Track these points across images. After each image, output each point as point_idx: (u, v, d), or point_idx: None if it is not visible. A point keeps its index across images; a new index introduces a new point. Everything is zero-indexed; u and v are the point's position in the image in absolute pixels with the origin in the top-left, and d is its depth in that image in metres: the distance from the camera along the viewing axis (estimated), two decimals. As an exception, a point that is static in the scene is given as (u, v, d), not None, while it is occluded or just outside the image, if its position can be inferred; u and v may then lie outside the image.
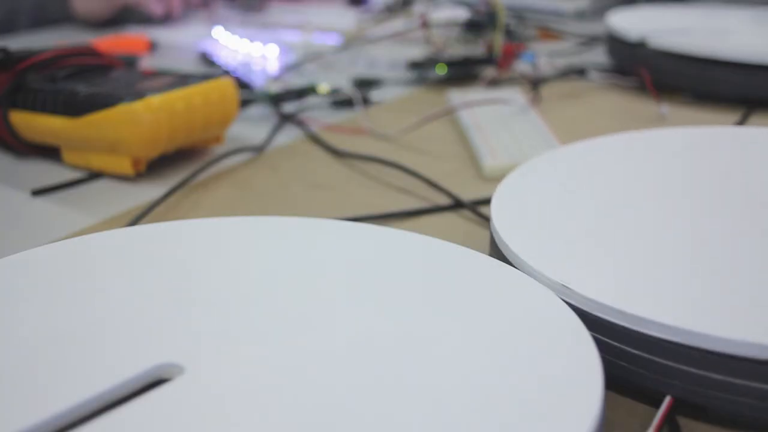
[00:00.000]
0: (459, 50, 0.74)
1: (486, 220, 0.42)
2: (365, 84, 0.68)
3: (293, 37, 0.90)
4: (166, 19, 0.99)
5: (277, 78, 0.70)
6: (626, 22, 0.71)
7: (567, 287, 0.27)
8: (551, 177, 0.37)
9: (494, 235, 0.32)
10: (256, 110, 0.61)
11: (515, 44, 0.72)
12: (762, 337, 0.24)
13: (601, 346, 0.27)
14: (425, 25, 0.77)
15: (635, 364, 0.26)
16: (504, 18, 0.73)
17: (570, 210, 0.33)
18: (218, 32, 0.90)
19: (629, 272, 0.28)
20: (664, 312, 0.25)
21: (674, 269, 0.28)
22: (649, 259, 0.29)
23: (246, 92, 0.61)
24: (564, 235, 0.31)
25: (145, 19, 0.97)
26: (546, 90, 0.67)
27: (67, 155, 0.49)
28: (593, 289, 0.27)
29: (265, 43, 0.83)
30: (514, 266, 0.30)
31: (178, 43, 0.87)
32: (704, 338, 0.24)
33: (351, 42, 0.83)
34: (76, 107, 0.46)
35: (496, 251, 0.32)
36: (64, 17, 0.97)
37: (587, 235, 0.31)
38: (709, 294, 0.26)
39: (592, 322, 0.27)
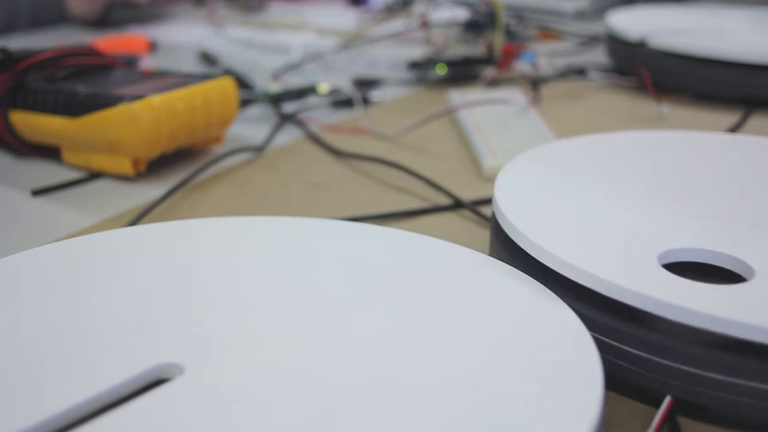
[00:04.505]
0: (459, 50, 0.74)
1: (486, 220, 0.42)
2: (365, 84, 0.68)
3: (293, 37, 0.90)
4: (153, 8, 0.98)
5: (277, 78, 0.70)
6: (626, 22, 0.71)
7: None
8: (550, 165, 0.37)
9: (501, 221, 0.32)
10: (256, 110, 0.61)
11: (515, 44, 0.72)
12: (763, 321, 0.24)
13: (601, 346, 0.27)
14: (425, 25, 0.77)
15: (635, 364, 0.26)
16: (504, 18, 0.73)
17: (573, 195, 0.33)
18: (218, 32, 0.90)
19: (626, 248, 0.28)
20: (666, 291, 0.25)
21: (679, 252, 0.28)
22: (654, 240, 0.29)
23: (246, 92, 0.61)
24: (569, 219, 0.31)
25: (136, 15, 0.96)
26: (546, 90, 0.67)
27: (67, 155, 0.49)
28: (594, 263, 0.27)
29: (265, 43, 0.83)
30: (518, 248, 0.30)
31: (178, 43, 0.87)
32: (703, 317, 0.24)
33: (351, 42, 0.83)
34: (76, 107, 0.46)
35: (499, 244, 0.32)
36: (64, 17, 0.97)
37: (590, 218, 0.31)
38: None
39: (592, 321, 0.27)
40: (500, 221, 0.32)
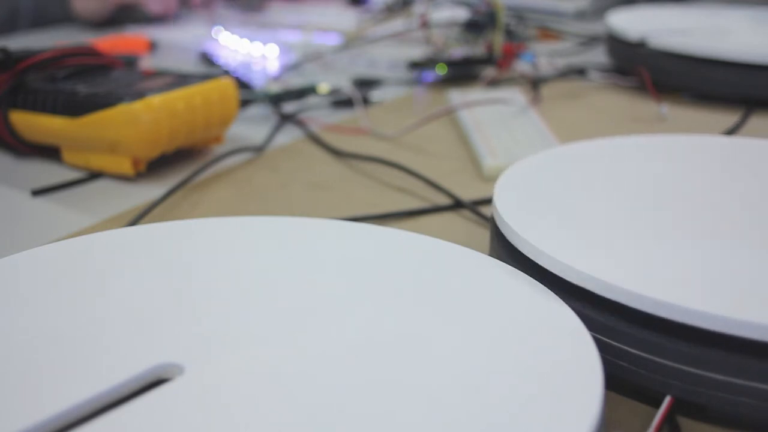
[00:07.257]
0: (459, 50, 0.74)
1: (486, 220, 0.42)
2: (365, 84, 0.68)
3: (293, 37, 0.90)
4: (164, 17, 0.99)
5: (277, 78, 0.70)
6: (626, 22, 0.71)
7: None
8: (551, 171, 0.37)
9: (499, 223, 0.32)
10: (256, 110, 0.61)
11: (515, 44, 0.72)
12: (762, 318, 0.24)
13: (601, 346, 0.27)
14: (425, 25, 0.77)
15: (635, 364, 0.26)
16: (504, 18, 0.73)
17: (572, 199, 0.33)
18: (218, 32, 0.90)
19: (630, 254, 0.28)
20: (666, 292, 0.25)
21: (676, 256, 0.28)
22: (652, 245, 0.29)
23: (246, 92, 0.61)
24: (568, 222, 0.31)
25: (144, 18, 0.96)
26: (546, 90, 0.67)
27: (67, 155, 0.49)
28: (596, 267, 0.27)
29: (265, 43, 0.83)
30: (517, 249, 0.30)
31: (178, 43, 0.87)
32: (703, 316, 0.24)
33: (351, 42, 0.83)
34: (76, 107, 0.46)
35: (499, 245, 0.32)
36: (65, 17, 0.97)
37: (590, 222, 0.31)
38: (710, 279, 0.26)
39: (593, 321, 0.27)
40: (499, 224, 0.32)
